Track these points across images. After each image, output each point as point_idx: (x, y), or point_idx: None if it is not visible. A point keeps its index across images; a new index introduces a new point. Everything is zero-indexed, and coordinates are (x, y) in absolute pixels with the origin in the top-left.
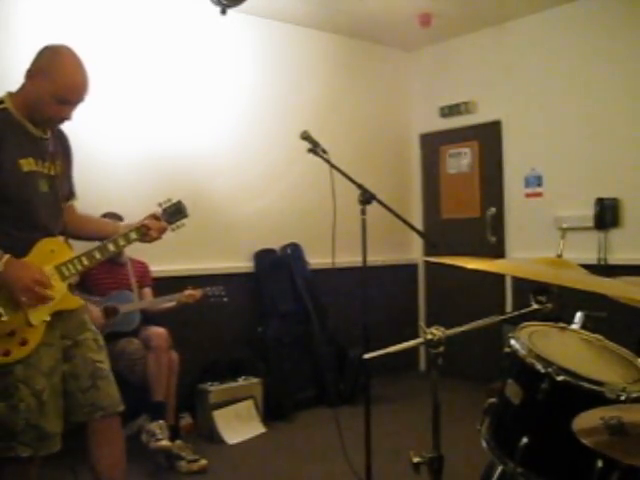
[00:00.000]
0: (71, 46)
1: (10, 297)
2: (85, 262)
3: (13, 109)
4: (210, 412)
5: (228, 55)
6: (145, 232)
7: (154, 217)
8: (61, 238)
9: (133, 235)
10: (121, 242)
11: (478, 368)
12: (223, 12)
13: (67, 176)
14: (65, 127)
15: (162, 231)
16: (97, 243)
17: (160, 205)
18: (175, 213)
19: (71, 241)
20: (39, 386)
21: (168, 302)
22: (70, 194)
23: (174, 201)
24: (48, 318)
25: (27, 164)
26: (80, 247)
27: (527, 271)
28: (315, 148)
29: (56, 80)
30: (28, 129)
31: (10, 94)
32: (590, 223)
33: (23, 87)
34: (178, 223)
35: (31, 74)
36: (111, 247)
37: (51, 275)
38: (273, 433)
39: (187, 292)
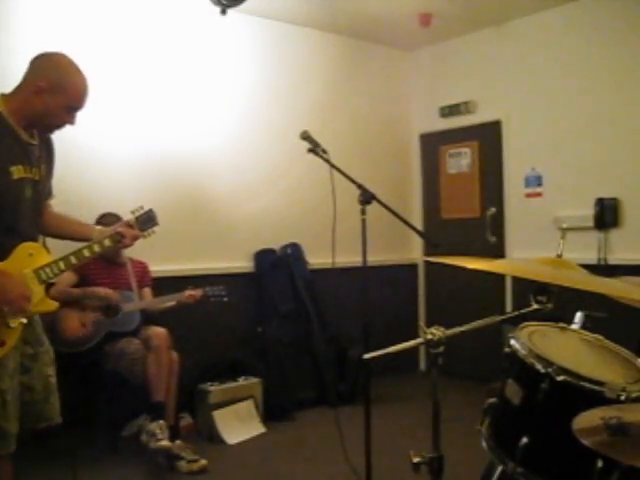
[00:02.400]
0: (71, 46)
1: None
2: (62, 266)
3: (6, 114)
4: (210, 412)
5: (228, 55)
6: (119, 239)
7: (128, 225)
8: (40, 242)
9: (107, 242)
10: (96, 248)
11: (478, 368)
12: (223, 12)
13: (49, 178)
14: (66, 128)
15: (135, 239)
16: (69, 242)
17: (133, 213)
18: (147, 221)
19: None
20: (4, 386)
21: (168, 302)
22: (48, 194)
23: (146, 209)
24: (25, 320)
25: (17, 171)
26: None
27: (527, 271)
28: (315, 148)
29: (69, 93)
30: (19, 135)
31: (4, 97)
32: (590, 223)
33: (24, 96)
34: (149, 231)
35: (41, 89)
36: (86, 253)
37: (30, 279)
38: (273, 433)
39: (187, 293)
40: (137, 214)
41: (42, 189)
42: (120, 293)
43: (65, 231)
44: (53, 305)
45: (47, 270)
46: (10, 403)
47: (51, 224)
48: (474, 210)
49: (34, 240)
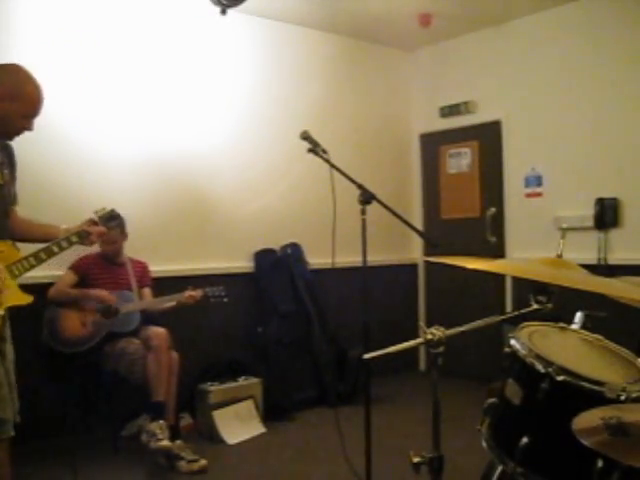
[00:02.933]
0: (71, 46)
1: None
2: (33, 262)
3: None
4: (210, 412)
5: (228, 55)
6: (85, 236)
7: (92, 222)
8: (9, 241)
9: (74, 238)
10: (64, 244)
11: (478, 368)
12: (223, 12)
13: (12, 183)
14: (66, 128)
15: (101, 235)
16: (38, 245)
17: (96, 213)
18: (110, 219)
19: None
20: None
21: (168, 302)
22: (14, 200)
23: (108, 209)
24: (2, 312)
25: None
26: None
27: (527, 271)
28: (315, 148)
29: (26, 101)
30: None
31: None
32: (590, 223)
33: None
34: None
35: (0, 97)
36: (55, 249)
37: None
38: (273, 433)
39: (187, 293)
40: (100, 213)
41: (7, 193)
42: (118, 294)
43: (32, 234)
44: (27, 298)
45: (19, 266)
46: (0, 391)
47: (18, 228)
48: (474, 210)
49: (2, 239)
